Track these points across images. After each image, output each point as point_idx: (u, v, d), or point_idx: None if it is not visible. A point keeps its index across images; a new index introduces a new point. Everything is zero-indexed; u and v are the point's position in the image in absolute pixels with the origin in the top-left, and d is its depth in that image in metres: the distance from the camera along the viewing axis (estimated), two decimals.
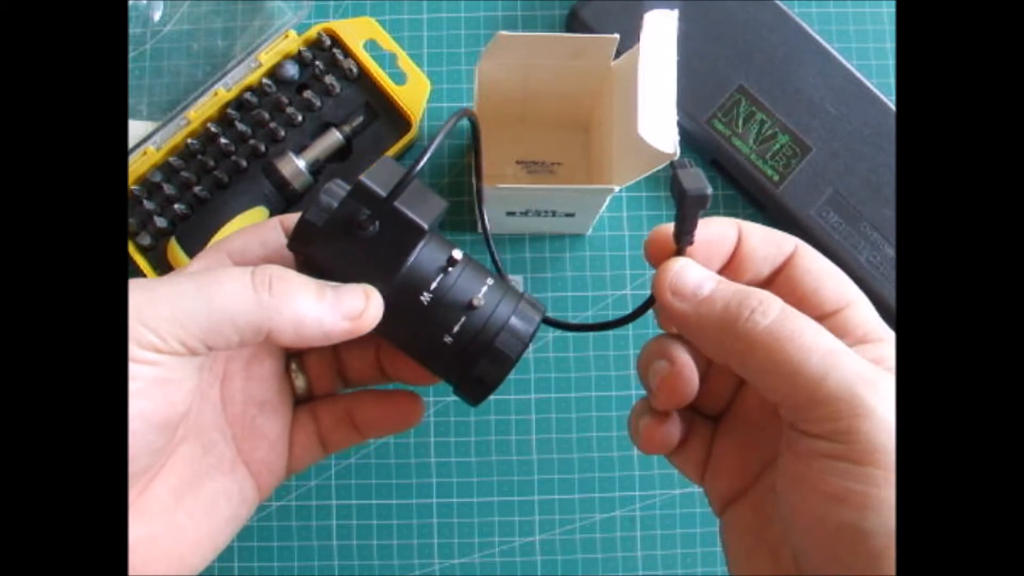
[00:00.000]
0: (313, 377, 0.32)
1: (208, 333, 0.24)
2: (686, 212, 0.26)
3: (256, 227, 0.30)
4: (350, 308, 0.26)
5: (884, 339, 0.26)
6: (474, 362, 0.28)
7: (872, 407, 0.22)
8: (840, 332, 0.26)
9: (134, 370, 0.24)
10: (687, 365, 0.28)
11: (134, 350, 0.24)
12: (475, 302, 0.28)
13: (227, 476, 0.29)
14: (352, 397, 0.33)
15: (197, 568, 0.28)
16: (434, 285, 0.28)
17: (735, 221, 0.28)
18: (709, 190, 0.25)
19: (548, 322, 0.31)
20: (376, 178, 0.27)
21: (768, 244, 0.28)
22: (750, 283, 0.29)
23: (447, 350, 0.28)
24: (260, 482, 0.31)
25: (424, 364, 0.30)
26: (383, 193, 0.26)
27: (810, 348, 0.23)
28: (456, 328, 0.28)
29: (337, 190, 0.28)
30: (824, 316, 0.27)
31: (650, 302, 0.29)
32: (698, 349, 0.27)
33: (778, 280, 0.28)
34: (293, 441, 0.32)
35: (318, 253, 0.27)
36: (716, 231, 0.28)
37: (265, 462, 0.31)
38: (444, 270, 0.28)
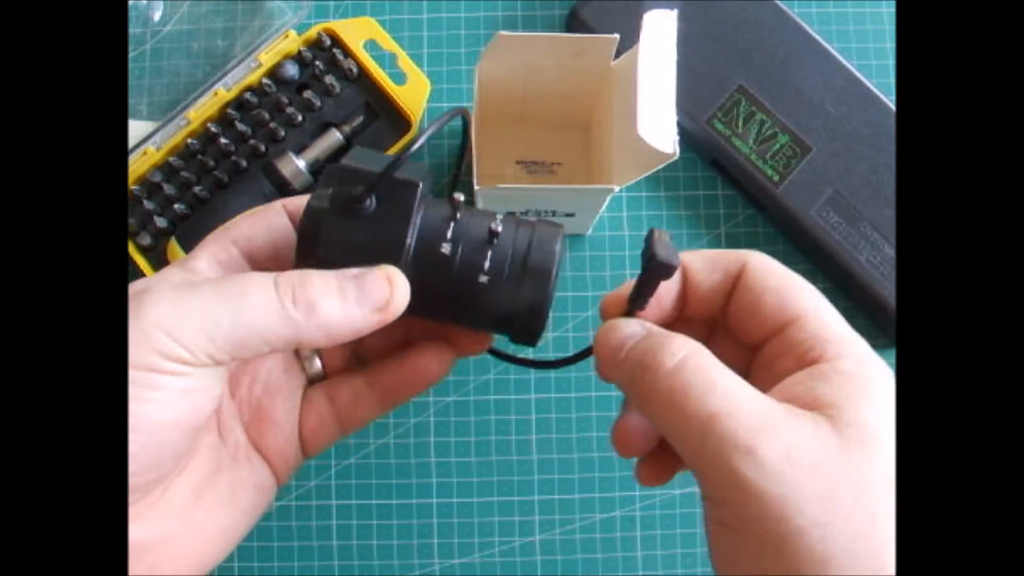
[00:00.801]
0: (327, 357, 0.32)
1: (236, 347, 0.24)
2: (649, 277, 0.26)
3: (260, 212, 0.30)
4: (376, 299, 0.26)
5: (828, 357, 0.25)
6: (517, 291, 0.27)
7: (742, 477, 0.22)
8: (781, 354, 0.26)
9: (161, 380, 0.23)
10: (633, 418, 0.28)
11: (161, 362, 0.23)
12: (495, 227, 0.27)
13: (243, 464, 0.29)
14: (369, 370, 0.32)
15: (216, 562, 0.28)
16: (450, 233, 0.27)
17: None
18: (678, 262, 0.25)
19: (494, 353, 0.31)
20: (357, 159, 0.27)
21: (711, 273, 0.27)
22: (705, 317, 0.29)
23: (486, 293, 0.27)
24: (275, 467, 0.30)
25: (467, 322, 0.29)
26: (370, 167, 0.27)
27: (692, 413, 0.23)
28: (487, 264, 0.27)
29: (324, 193, 0.28)
30: (769, 337, 0.26)
31: (587, 351, 0.29)
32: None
33: (728, 305, 0.28)
34: (304, 423, 0.31)
35: (327, 253, 0.27)
36: None
37: (276, 446, 0.30)
38: (452, 217, 0.28)
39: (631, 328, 0.26)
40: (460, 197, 0.28)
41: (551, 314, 0.28)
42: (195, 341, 0.24)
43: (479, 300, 0.28)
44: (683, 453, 0.24)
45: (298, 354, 0.32)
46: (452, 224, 0.28)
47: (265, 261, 0.29)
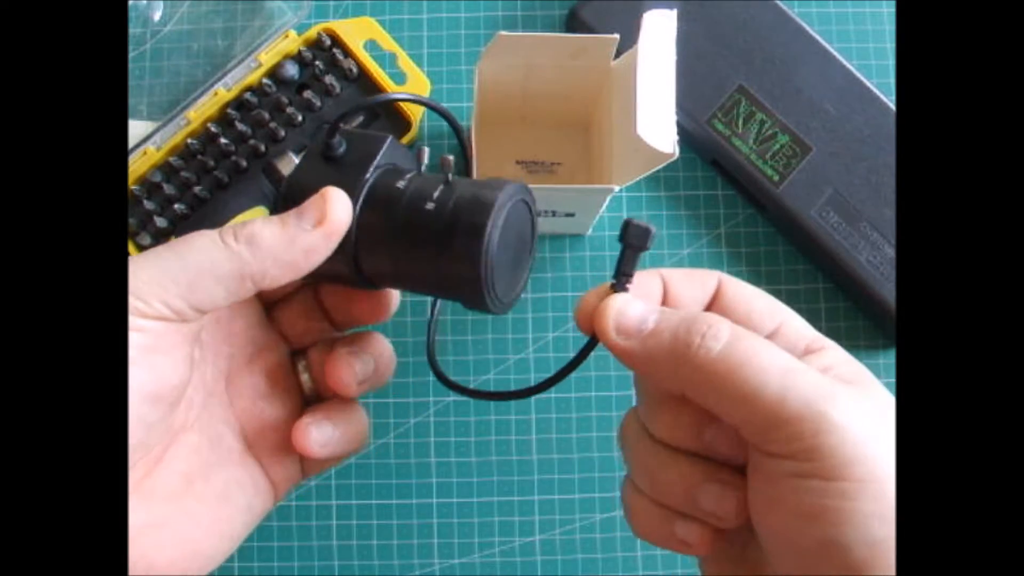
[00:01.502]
0: (318, 377, 0.32)
1: (189, 291, 0.25)
2: (628, 240, 0.26)
3: None
4: (314, 216, 0.26)
5: (827, 347, 0.26)
6: (457, 218, 0.26)
7: (835, 421, 0.22)
8: (785, 347, 0.26)
9: None
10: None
11: None
12: (449, 162, 0.28)
13: (238, 467, 0.29)
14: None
15: (215, 559, 0.28)
16: (409, 175, 0.28)
17: (657, 271, 0.28)
18: (653, 228, 0.26)
19: (454, 387, 0.31)
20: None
21: (692, 286, 0.28)
22: None
23: (429, 218, 0.27)
24: (274, 478, 0.30)
25: (407, 259, 0.28)
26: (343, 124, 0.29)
27: (766, 369, 0.23)
28: (436, 194, 0.27)
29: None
30: (765, 336, 0.27)
31: (591, 345, 0.28)
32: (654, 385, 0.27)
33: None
34: None
35: (290, 192, 0.28)
36: (641, 285, 0.27)
37: (276, 458, 0.30)
38: (418, 167, 0.29)
39: (643, 306, 0.26)
40: (426, 149, 0.29)
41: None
42: (147, 290, 0.24)
43: (421, 229, 0.27)
44: (750, 415, 0.23)
45: (295, 368, 0.32)
46: (413, 173, 0.29)
47: None
